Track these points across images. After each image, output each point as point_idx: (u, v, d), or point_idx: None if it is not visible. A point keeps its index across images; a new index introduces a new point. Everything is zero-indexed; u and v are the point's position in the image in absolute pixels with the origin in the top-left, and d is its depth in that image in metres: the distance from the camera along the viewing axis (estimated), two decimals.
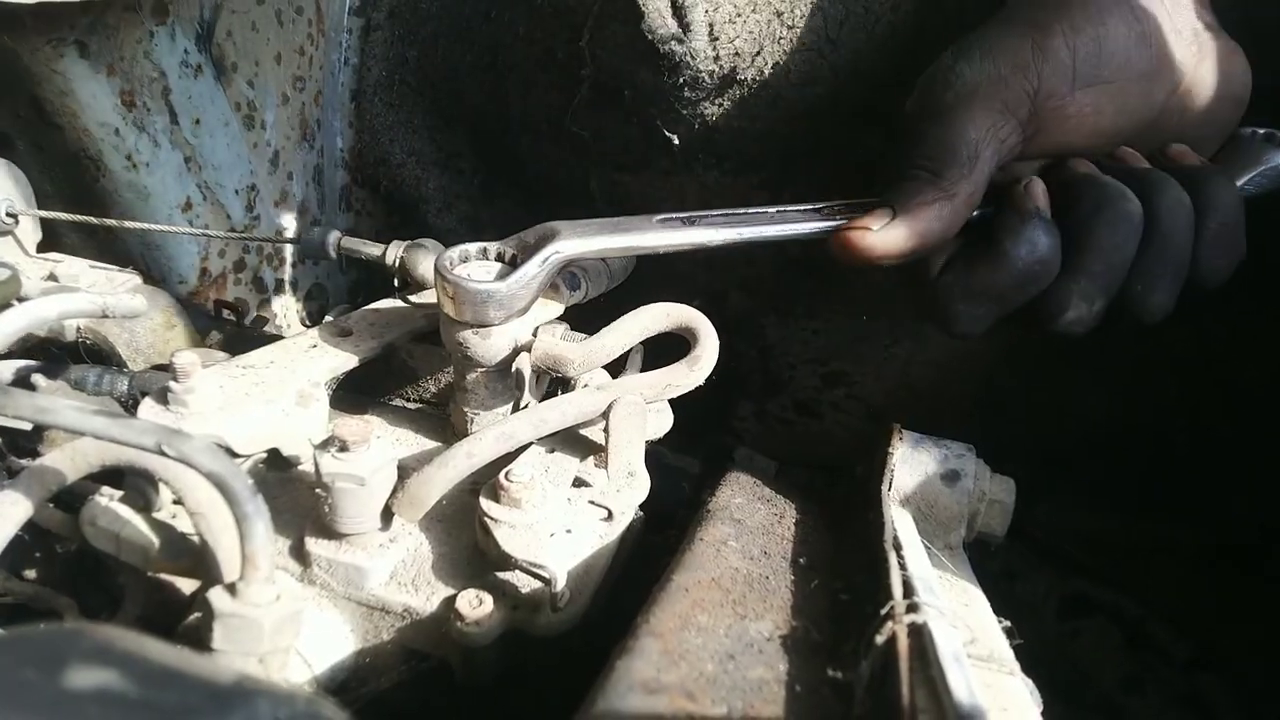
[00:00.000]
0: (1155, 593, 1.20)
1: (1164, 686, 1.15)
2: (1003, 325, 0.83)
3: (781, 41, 0.98)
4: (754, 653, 0.51)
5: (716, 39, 0.98)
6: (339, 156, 1.38)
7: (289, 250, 1.32)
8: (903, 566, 0.55)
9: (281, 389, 0.74)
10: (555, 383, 0.92)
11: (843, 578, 0.63)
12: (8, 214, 0.95)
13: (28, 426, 0.77)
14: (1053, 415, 1.20)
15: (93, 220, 0.99)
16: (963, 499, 0.68)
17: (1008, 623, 0.57)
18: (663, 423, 0.83)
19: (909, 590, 0.52)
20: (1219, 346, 1.07)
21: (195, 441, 0.57)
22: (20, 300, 0.84)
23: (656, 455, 0.91)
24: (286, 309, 1.34)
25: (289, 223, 1.30)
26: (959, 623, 0.50)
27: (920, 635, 0.47)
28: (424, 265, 0.89)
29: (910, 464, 0.69)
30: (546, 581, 0.63)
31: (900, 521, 0.63)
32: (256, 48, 1.17)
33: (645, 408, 0.74)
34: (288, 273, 1.33)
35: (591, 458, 0.76)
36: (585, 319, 0.97)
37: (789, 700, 0.48)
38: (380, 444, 0.66)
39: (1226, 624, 1.14)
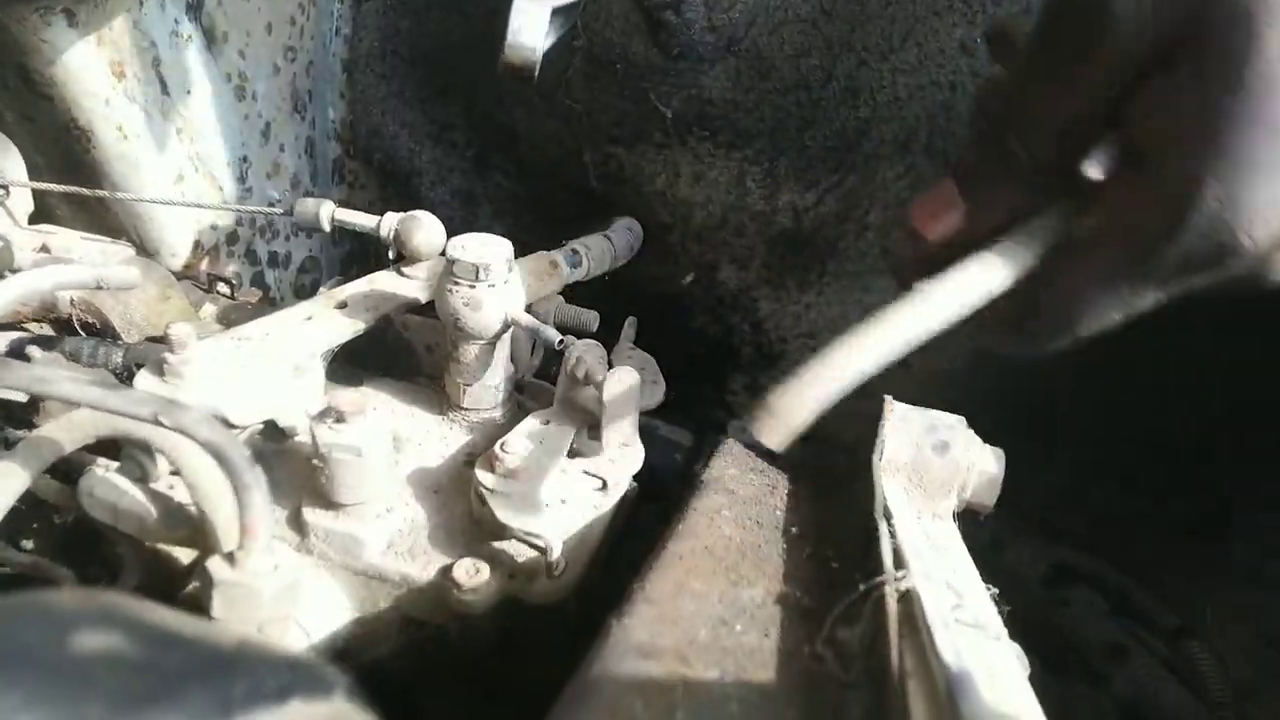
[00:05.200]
0: (1140, 562, 1.21)
1: (1147, 654, 1.17)
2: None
3: (775, 12, 0.98)
4: (746, 618, 0.52)
5: (711, 9, 0.98)
6: (331, 128, 1.37)
7: (282, 222, 1.31)
8: (893, 535, 0.56)
9: (277, 361, 0.74)
10: (551, 355, 0.92)
11: (833, 546, 0.64)
12: None
13: (24, 398, 0.77)
14: (1042, 388, 1.21)
15: (84, 191, 0.99)
16: (952, 469, 0.69)
17: (995, 590, 0.58)
18: (656, 395, 0.83)
19: (899, 558, 0.53)
20: (1207, 325, 1.08)
21: (192, 412, 0.57)
22: (13, 272, 0.84)
23: (650, 427, 0.92)
24: (280, 281, 1.34)
25: (281, 195, 1.29)
26: (947, 588, 0.51)
27: (909, 601, 0.48)
28: (418, 237, 0.89)
29: (900, 434, 0.70)
30: (542, 550, 0.64)
31: (890, 491, 0.64)
32: (247, 17, 1.16)
33: (638, 380, 0.75)
34: (281, 245, 1.33)
35: (586, 429, 0.77)
36: (589, 295, 0.97)
37: (780, 664, 0.49)
38: (376, 415, 0.67)
39: (1210, 593, 1.16)
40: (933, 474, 0.68)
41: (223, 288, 1.09)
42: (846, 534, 0.65)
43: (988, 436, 0.74)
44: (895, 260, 0.61)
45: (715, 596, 0.54)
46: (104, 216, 1.09)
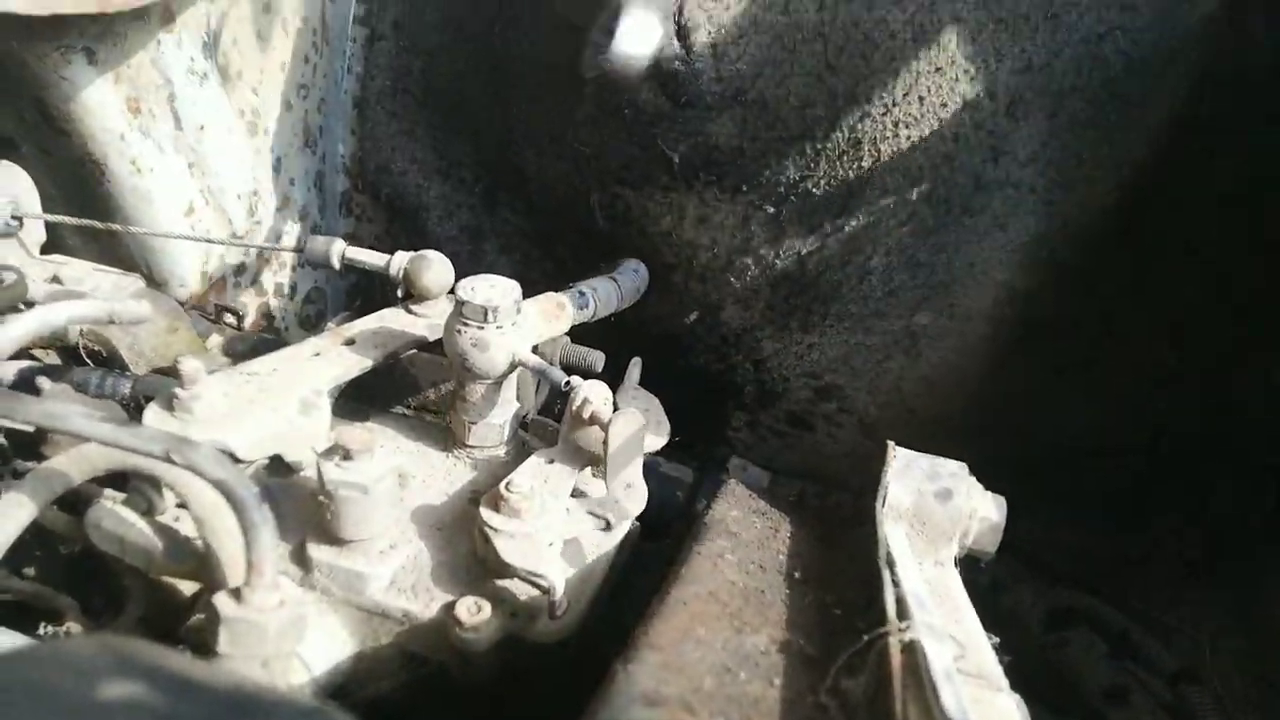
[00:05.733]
0: (1140, 604, 1.22)
1: (1147, 697, 1.17)
2: None
3: (781, 65, 1.00)
4: (750, 666, 0.53)
5: (719, 60, 1.00)
6: (340, 163, 1.39)
7: (289, 254, 1.33)
8: (895, 584, 0.56)
9: (285, 397, 0.75)
10: (554, 394, 0.93)
11: (835, 591, 0.64)
12: (12, 216, 0.95)
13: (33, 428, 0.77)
14: (1041, 429, 1.22)
15: (97, 225, 1.00)
16: (955, 516, 0.69)
17: (996, 639, 0.58)
18: (660, 438, 0.84)
19: (902, 607, 0.53)
20: (1206, 362, 1.09)
21: (203, 450, 0.58)
22: (26, 304, 0.85)
23: (651, 464, 0.92)
24: (285, 311, 1.35)
25: (290, 228, 1.31)
26: (949, 639, 0.51)
27: (913, 652, 0.48)
28: (427, 276, 0.90)
29: (904, 481, 0.70)
30: (545, 590, 0.65)
31: (893, 537, 0.65)
32: (261, 55, 1.18)
33: (644, 423, 0.76)
34: (287, 276, 1.34)
35: (590, 469, 0.78)
36: (594, 330, 0.98)
37: (784, 713, 0.49)
38: (383, 453, 0.67)
39: (1211, 635, 1.16)
40: (935, 521, 0.69)
41: (229, 318, 1.09)
42: (848, 580, 0.65)
43: (986, 476, 0.75)
44: None
45: (720, 643, 0.54)
46: (115, 247, 1.11)
